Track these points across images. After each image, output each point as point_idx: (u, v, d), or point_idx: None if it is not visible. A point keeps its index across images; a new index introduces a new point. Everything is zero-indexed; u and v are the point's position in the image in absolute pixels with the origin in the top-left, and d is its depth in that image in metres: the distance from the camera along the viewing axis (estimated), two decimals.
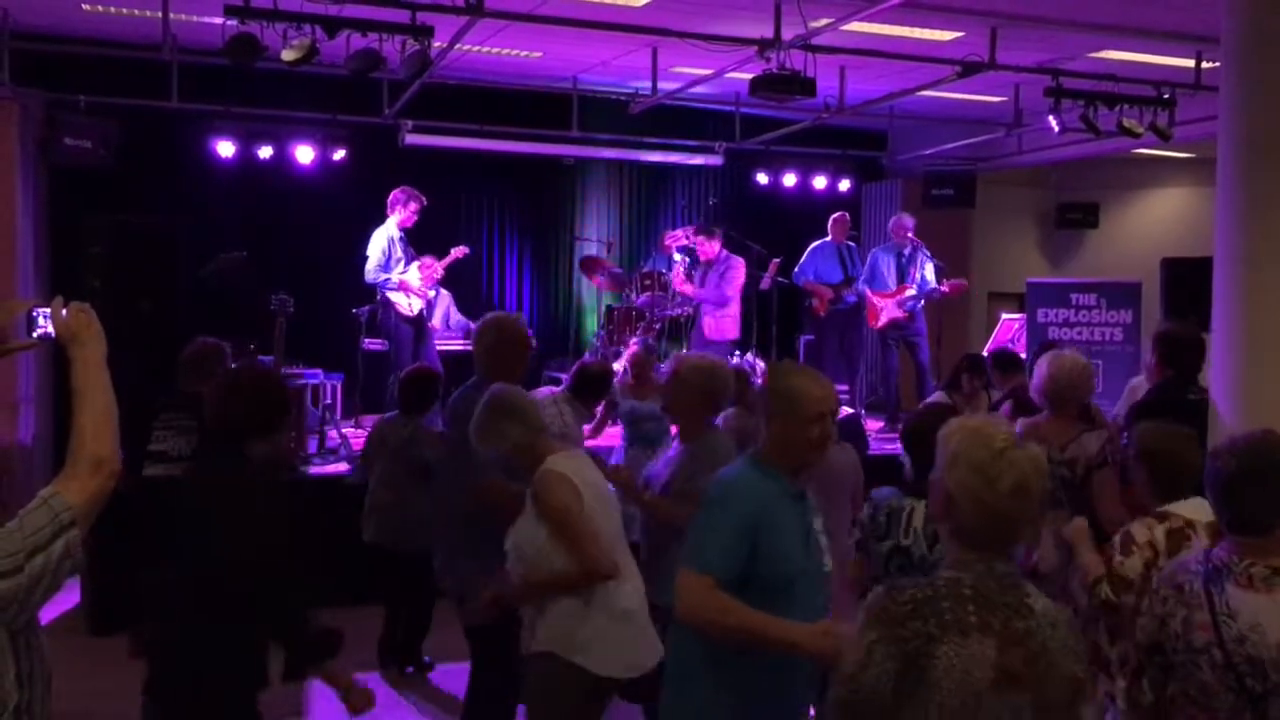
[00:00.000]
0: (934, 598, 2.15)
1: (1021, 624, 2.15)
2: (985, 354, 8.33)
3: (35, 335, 1.93)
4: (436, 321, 9.75)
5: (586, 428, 6.72)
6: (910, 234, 9.79)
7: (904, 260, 9.77)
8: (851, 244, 10.47)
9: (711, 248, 9.54)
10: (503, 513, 3.75)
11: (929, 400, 7.17)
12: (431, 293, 9.20)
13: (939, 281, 9.67)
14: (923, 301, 9.76)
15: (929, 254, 9.80)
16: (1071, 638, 2.22)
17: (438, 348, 9.17)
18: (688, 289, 9.67)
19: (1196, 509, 3.38)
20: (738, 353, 10.12)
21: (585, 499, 3.48)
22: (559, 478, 3.48)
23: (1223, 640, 2.54)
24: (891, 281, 9.80)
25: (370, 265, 8.63)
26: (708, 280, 9.55)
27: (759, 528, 2.80)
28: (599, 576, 3.43)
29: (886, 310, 9.79)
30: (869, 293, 9.92)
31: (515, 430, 3.58)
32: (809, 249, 10.33)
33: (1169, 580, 2.76)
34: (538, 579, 3.50)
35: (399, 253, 8.69)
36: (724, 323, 9.48)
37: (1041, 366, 4.61)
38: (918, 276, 9.70)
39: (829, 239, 10.27)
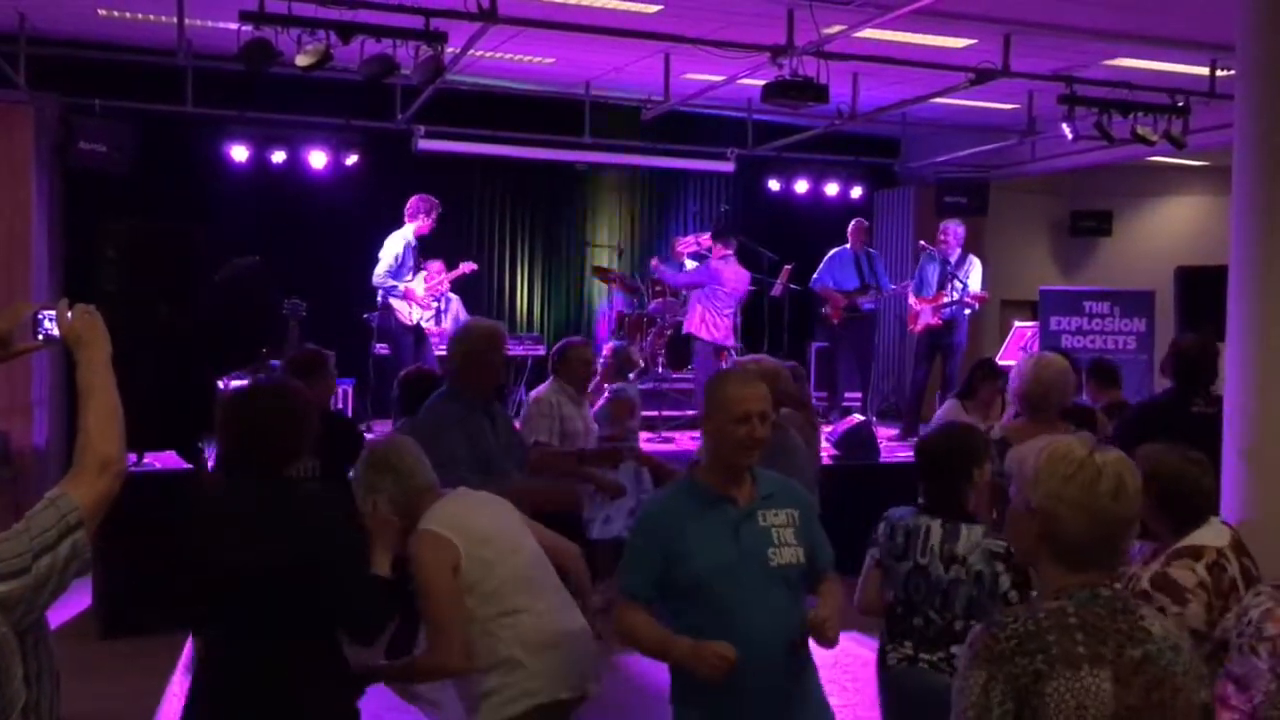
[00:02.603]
0: (1038, 631, 2.03)
1: (1137, 651, 2.02)
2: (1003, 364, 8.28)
3: (42, 337, 1.93)
4: (448, 326, 9.79)
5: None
6: (945, 241, 9.90)
7: (949, 268, 9.82)
8: (872, 251, 10.50)
9: (710, 245, 9.69)
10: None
11: (941, 414, 7.11)
12: (436, 305, 9.27)
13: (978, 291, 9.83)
14: (967, 310, 9.83)
15: (973, 263, 9.89)
16: (1196, 662, 2.09)
17: (447, 352, 9.19)
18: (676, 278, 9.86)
19: (1217, 535, 3.20)
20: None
21: (467, 558, 3.17)
22: (431, 541, 3.17)
23: None
24: (934, 289, 9.87)
25: (380, 269, 8.72)
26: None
27: (664, 540, 3.01)
28: (449, 669, 3.18)
29: (923, 316, 9.90)
30: (911, 298, 10.04)
31: (388, 485, 3.26)
32: (827, 256, 10.36)
33: (1272, 585, 2.79)
34: (391, 669, 3.44)
35: (410, 260, 8.79)
36: (718, 325, 9.55)
37: (1020, 369, 4.53)
38: (962, 284, 9.74)
39: (847, 246, 10.30)
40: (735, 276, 9.61)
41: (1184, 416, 4.72)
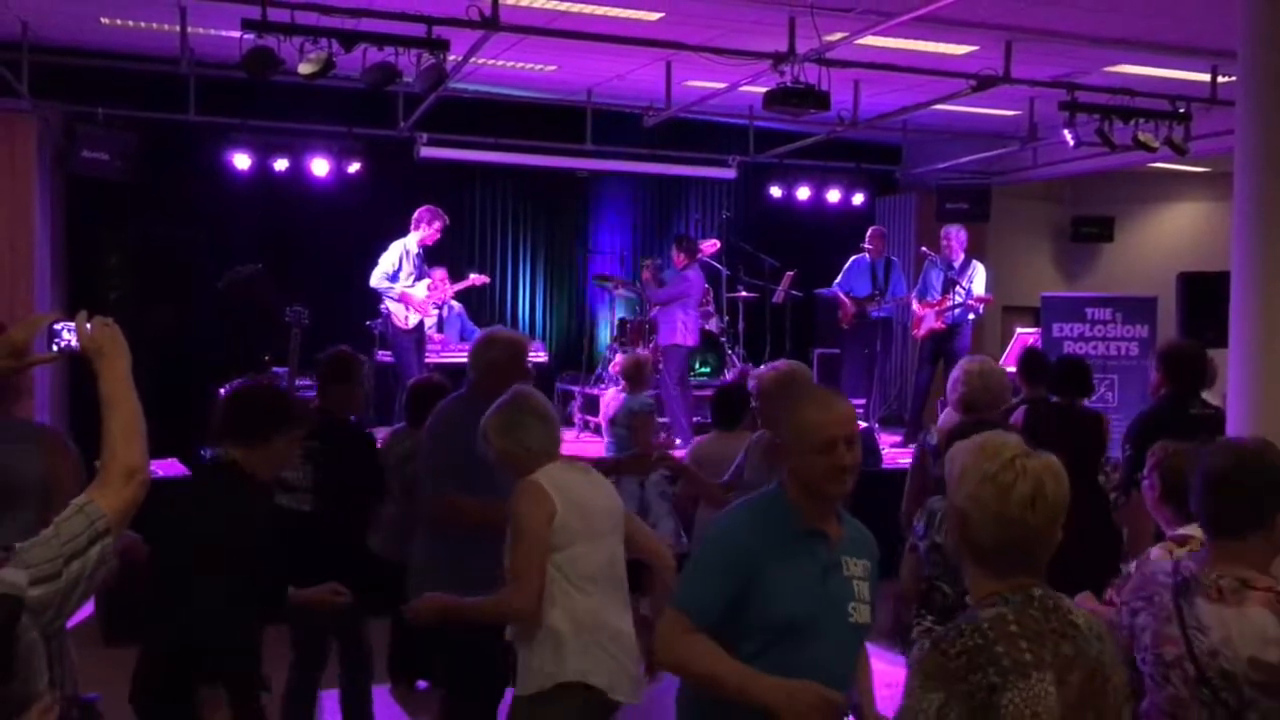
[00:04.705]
0: (985, 645, 2.01)
1: (1069, 647, 2.05)
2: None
3: (58, 349, 1.96)
4: (450, 333, 9.82)
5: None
6: (948, 245, 9.94)
7: (952, 273, 9.85)
8: (893, 259, 10.55)
9: (678, 260, 9.78)
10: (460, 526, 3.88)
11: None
12: (436, 311, 9.31)
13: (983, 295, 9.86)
14: (971, 315, 9.86)
15: (976, 268, 9.92)
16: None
17: (450, 360, 9.25)
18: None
19: None
20: (749, 365, 10.13)
21: (560, 518, 3.26)
22: (535, 490, 3.29)
23: (1194, 654, 2.47)
24: (939, 294, 9.91)
25: (377, 272, 8.81)
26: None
27: (749, 568, 2.60)
28: (514, 610, 3.26)
29: (926, 321, 9.96)
30: (915, 303, 10.10)
31: (537, 433, 3.42)
32: (847, 263, 10.46)
33: (1136, 592, 2.67)
34: (463, 603, 3.42)
35: (410, 267, 8.87)
36: (692, 329, 9.68)
37: (962, 375, 4.61)
38: (965, 289, 9.76)
39: (865, 254, 10.39)
40: (699, 283, 9.87)
41: (1184, 419, 4.74)
